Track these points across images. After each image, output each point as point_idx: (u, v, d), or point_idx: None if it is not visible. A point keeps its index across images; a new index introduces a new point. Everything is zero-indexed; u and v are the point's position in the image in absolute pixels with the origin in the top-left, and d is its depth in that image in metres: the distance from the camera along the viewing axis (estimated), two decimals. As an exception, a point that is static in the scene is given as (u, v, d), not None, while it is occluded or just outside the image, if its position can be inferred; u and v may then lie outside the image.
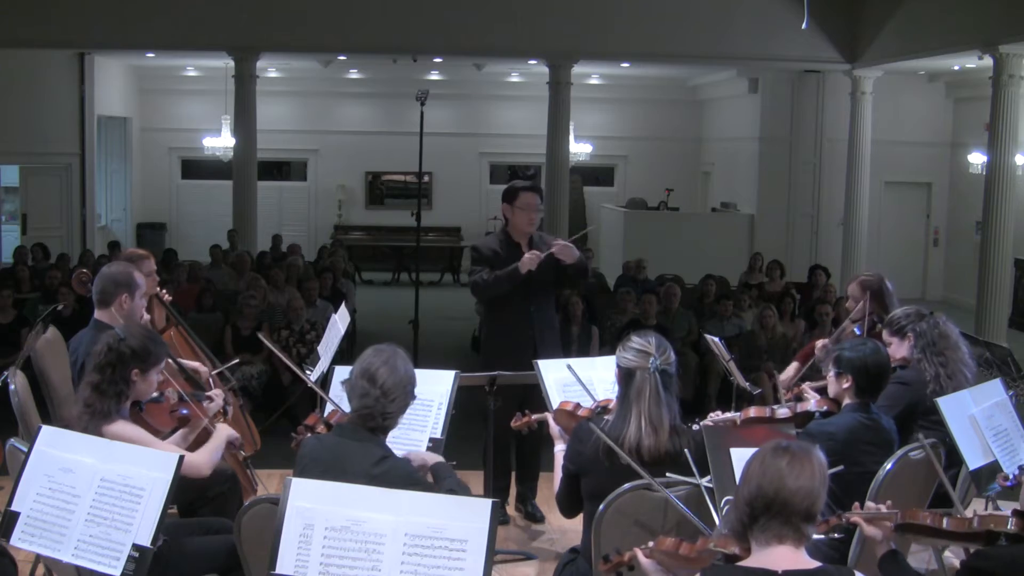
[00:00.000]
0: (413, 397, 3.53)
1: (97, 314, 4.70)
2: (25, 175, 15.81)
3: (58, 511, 3.32)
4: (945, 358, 4.71)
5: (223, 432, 4.16)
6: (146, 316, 4.98)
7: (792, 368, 5.91)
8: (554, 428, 4.23)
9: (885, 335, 4.98)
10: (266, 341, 5.60)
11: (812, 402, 4.36)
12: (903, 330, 4.91)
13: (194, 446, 4.20)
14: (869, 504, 3.29)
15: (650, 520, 3.48)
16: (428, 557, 2.87)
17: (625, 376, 3.72)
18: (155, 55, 16.23)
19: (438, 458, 3.87)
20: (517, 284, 5.80)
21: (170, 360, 4.95)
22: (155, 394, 4.13)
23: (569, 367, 4.66)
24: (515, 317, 5.94)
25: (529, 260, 5.74)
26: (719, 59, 14.82)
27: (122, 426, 3.86)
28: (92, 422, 3.80)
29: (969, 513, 3.25)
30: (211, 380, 5.22)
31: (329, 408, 4.39)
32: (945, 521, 3.07)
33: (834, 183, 15.70)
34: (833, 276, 12.56)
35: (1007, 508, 3.57)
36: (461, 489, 3.61)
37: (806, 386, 4.76)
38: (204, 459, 3.96)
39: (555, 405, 4.46)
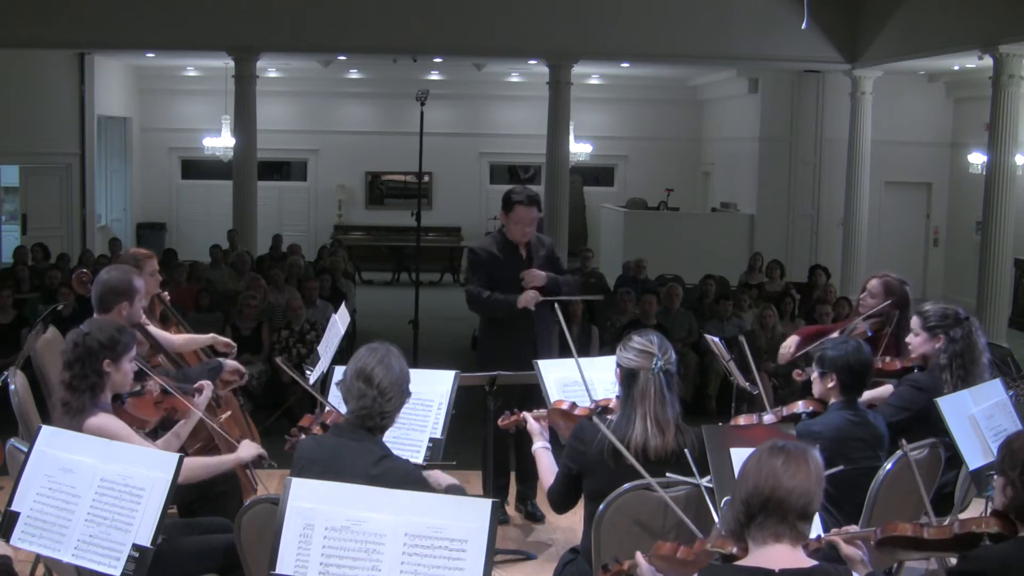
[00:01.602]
0: (409, 394, 3.51)
1: (97, 316, 4.67)
2: (25, 175, 15.81)
3: (58, 511, 3.32)
4: (967, 372, 4.56)
5: (245, 451, 4.11)
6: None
7: (792, 341, 5.67)
8: (533, 426, 4.17)
9: (914, 326, 4.78)
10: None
11: (800, 403, 4.35)
12: (935, 330, 4.68)
13: (192, 439, 4.18)
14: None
15: (650, 520, 3.48)
16: (428, 557, 2.86)
17: (628, 376, 3.70)
18: (155, 55, 16.22)
19: (452, 481, 3.81)
20: (512, 313, 5.89)
21: (161, 356, 4.95)
22: (136, 388, 4.12)
23: (577, 363, 4.65)
24: (516, 317, 5.96)
25: (528, 299, 5.86)
26: (719, 59, 14.81)
27: (103, 419, 3.83)
28: (71, 420, 3.78)
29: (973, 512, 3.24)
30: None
31: (326, 408, 4.38)
32: (926, 531, 3.07)
33: (834, 183, 15.69)
34: (833, 276, 12.56)
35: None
36: None
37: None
38: (198, 472, 3.95)
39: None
